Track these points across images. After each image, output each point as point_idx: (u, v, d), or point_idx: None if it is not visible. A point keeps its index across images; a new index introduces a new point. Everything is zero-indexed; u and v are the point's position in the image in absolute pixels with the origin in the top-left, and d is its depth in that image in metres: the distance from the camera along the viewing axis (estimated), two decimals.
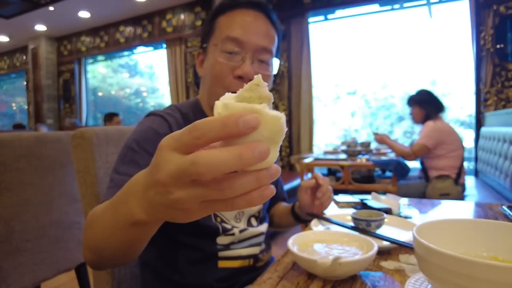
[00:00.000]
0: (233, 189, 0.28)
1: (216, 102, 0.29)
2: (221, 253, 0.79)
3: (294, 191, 3.07)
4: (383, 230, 0.76)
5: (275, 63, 0.81)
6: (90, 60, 7.14)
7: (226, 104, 0.29)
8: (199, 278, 0.76)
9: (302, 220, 0.92)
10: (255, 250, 0.83)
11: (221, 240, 0.78)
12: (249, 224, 0.85)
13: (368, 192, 1.15)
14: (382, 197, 1.02)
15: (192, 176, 0.27)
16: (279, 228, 1.02)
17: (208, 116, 0.71)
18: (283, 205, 1.02)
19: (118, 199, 0.42)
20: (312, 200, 0.85)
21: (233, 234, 0.79)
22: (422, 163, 2.77)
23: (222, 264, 0.79)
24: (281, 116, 0.28)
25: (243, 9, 0.77)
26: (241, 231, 0.80)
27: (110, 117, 4.52)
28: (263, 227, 0.87)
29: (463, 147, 2.62)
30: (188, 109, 0.82)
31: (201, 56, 0.82)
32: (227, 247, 0.79)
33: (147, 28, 5.92)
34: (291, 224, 0.96)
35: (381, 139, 2.88)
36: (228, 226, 0.79)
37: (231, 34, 0.73)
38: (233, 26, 0.74)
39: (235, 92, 0.31)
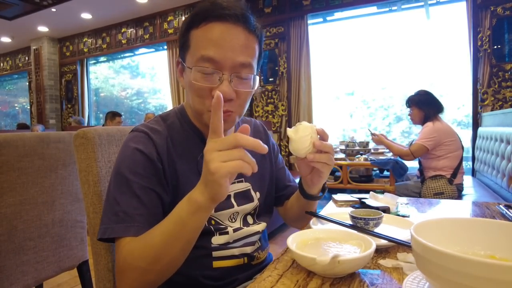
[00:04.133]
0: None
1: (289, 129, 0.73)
2: (215, 253, 0.78)
3: None
4: (381, 229, 0.76)
5: (255, 80, 0.74)
6: (92, 61, 7.15)
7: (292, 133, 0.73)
8: (194, 277, 0.76)
9: (308, 195, 0.84)
10: (247, 249, 0.82)
11: (216, 240, 0.78)
12: (244, 222, 0.84)
13: (366, 191, 1.16)
14: (380, 196, 1.03)
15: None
16: (295, 221, 0.96)
17: (194, 123, 0.80)
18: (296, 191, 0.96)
19: (174, 210, 0.62)
20: (308, 166, 0.77)
21: (227, 233, 0.79)
22: (420, 163, 2.78)
23: (216, 264, 0.78)
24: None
25: (216, 22, 0.69)
26: (235, 230, 0.80)
27: (112, 116, 4.64)
28: (259, 226, 0.86)
29: (462, 148, 2.61)
30: (174, 118, 0.80)
31: (180, 66, 0.77)
32: (223, 246, 0.78)
33: (149, 29, 5.93)
34: (303, 207, 0.89)
35: (379, 139, 2.88)
36: (223, 226, 0.79)
37: (206, 53, 0.68)
38: (206, 44, 0.68)
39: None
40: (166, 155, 0.73)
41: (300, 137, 0.72)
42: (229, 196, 0.81)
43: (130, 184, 0.68)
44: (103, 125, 5.13)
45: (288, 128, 0.75)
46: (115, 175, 0.70)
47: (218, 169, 0.53)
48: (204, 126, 0.78)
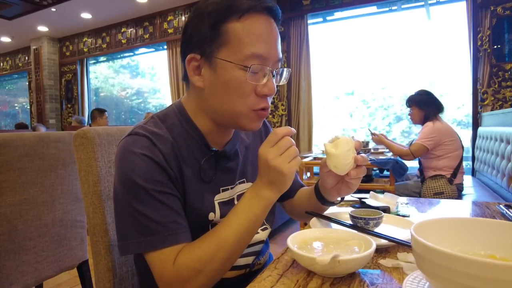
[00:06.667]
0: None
1: (326, 144, 0.69)
2: None
3: None
4: (381, 229, 0.76)
5: (287, 73, 0.73)
6: (92, 61, 7.16)
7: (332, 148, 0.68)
8: None
9: (327, 202, 0.81)
10: (250, 259, 0.80)
11: None
12: None
13: (366, 191, 1.16)
14: (380, 196, 1.03)
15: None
16: (304, 217, 0.91)
17: (197, 125, 0.73)
18: (304, 189, 0.95)
19: (244, 207, 0.66)
20: (336, 177, 0.75)
21: None
22: (420, 163, 2.78)
23: None
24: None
25: (258, 15, 0.65)
26: None
27: (100, 113, 4.69)
28: (263, 235, 0.83)
29: (462, 148, 2.62)
30: (173, 119, 0.73)
31: (195, 63, 0.68)
32: None
33: (149, 29, 5.94)
34: (316, 208, 0.86)
35: (379, 139, 2.89)
36: None
37: (256, 51, 0.64)
38: (255, 40, 0.64)
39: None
40: (174, 162, 0.67)
41: (341, 152, 0.67)
42: (232, 199, 0.78)
43: (150, 193, 0.63)
44: (90, 125, 5.13)
45: (325, 143, 0.70)
46: (126, 186, 0.64)
47: (289, 169, 0.63)
48: (213, 124, 0.73)
